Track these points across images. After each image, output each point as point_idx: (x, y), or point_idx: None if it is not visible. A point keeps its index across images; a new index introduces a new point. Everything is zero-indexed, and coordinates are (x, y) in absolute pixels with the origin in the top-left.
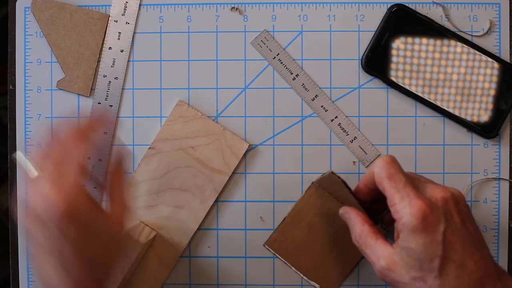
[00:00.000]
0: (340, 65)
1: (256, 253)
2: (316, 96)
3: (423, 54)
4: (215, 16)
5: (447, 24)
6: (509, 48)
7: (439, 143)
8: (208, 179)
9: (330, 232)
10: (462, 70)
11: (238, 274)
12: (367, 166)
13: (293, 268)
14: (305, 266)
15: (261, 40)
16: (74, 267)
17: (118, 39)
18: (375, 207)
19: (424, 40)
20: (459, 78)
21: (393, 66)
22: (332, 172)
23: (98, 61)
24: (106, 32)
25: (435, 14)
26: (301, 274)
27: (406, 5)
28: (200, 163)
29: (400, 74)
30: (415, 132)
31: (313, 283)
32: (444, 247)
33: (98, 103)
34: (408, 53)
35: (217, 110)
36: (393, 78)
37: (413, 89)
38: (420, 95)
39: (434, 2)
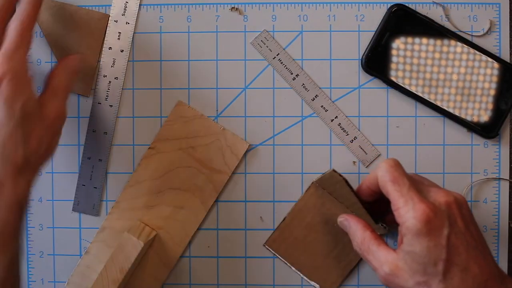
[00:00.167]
0: (340, 65)
1: (256, 253)
2: (316, 96)
3: (423, 54)
4: (215, 16)
5: (447, 24)
6: (509, 48)
7: (439, 143)
8: (208, 179)
9: (330, 232)
10: (462, 70)
11: (238, 274)
12: (367, 166)
13: (293, 268)
14: (305, 266)
15: (261, 40)
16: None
17: (118, 39)
18: (375, 207)
19: (424, 40)
20: (459, 78)
21: (393, 66)
22: (334, 170)
23: (98, 61)
24: (106, 32)
25: (435, 14)
26: (301, 274)
27: (406, 5)
28: (200, 163)
29: (400, 74)
30: (415, 132)
31: (313, 283)
32: (448, 251)
33: (98, 103)
34: (408, 53)
35: (217, 110)
36: (393, 78)
37: (413, 89)
38: (420, 95)
39: (434, 2)
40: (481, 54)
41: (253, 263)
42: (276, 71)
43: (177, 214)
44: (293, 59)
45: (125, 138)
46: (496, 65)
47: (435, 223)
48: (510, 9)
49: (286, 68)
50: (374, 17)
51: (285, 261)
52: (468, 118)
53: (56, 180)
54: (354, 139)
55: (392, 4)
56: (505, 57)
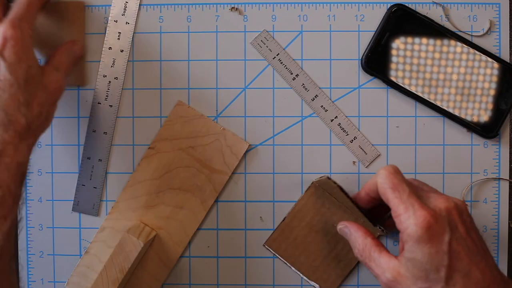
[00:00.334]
0: (340, 65)
1: (256, 253)
2: (316, 96)
3: (423, 54)
4: (215, 16)
5: (447, 24)
6: (509, 48)
7: (439, 143)
8: (208, 179)
9: (330, 232)
10: (462, 70)
11: (238, 274)
12: (367, 166)
13: (293, 268)
14: (305, 266)
15: (261, 40)
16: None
17: (118, 39)
18: (373, 212)
19: (424, 40)
20: (459, 78)
21: (393, 66)
22: (328, 178)
23: (99, 60)
24: (106, 32)
25: (435, 14)
26: (301, 274)
27: (406, 5)
28: (200, 163)
29: (400, 74)
30: (415, 132)
31: (313, 283)
32: (450, 257)
33: (98, 103)
34: (408, 53)
35: (217, 110)
36: (393, 78)
37: (413, 89)
38: (420, 95)
39: (434, 2)
40: (481, 54)
41: (253, 263)
42: (276, 71)
43: (177, 214)
44: (293, 59)
45: (125, 138)
46: (496, 65)
47: (436, 229)
48: (510, 9)
49: (286, 68)
50: (374, 17)
51: (285, 261)
52: (468, 118)
53: (56, 180)
54: (354, 139)
55: (392, 4)
56: (505, 57)
